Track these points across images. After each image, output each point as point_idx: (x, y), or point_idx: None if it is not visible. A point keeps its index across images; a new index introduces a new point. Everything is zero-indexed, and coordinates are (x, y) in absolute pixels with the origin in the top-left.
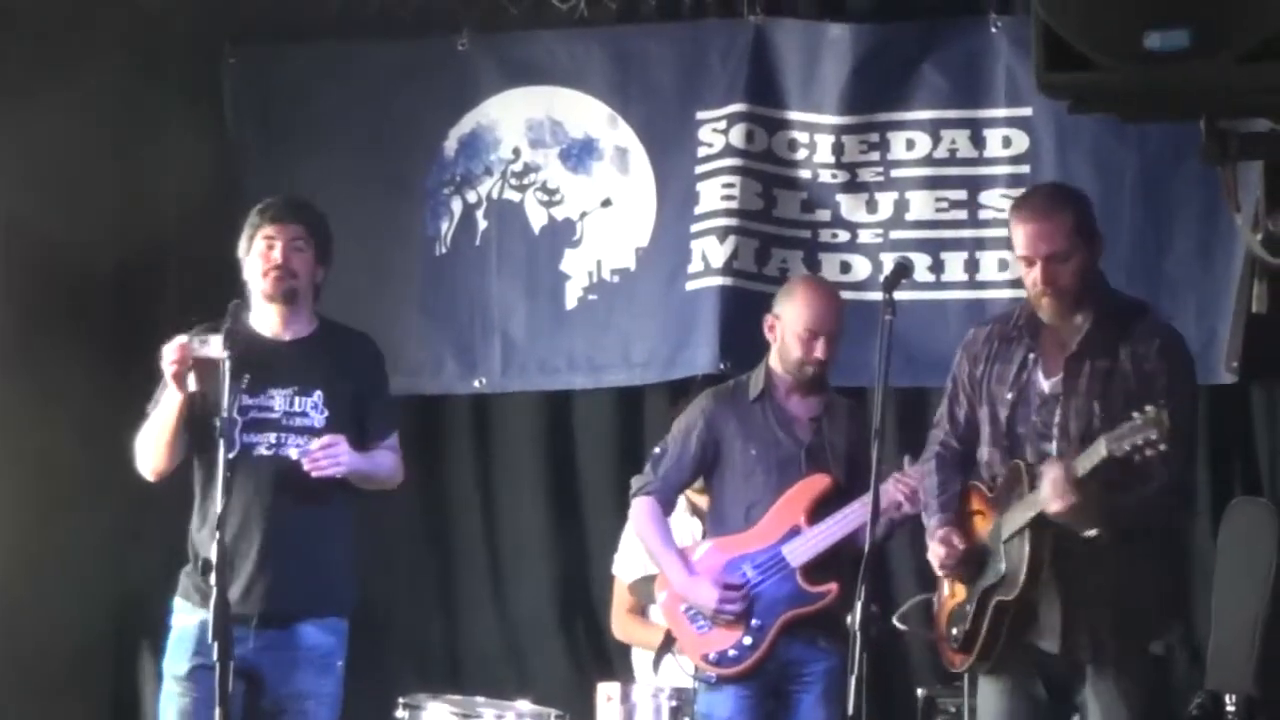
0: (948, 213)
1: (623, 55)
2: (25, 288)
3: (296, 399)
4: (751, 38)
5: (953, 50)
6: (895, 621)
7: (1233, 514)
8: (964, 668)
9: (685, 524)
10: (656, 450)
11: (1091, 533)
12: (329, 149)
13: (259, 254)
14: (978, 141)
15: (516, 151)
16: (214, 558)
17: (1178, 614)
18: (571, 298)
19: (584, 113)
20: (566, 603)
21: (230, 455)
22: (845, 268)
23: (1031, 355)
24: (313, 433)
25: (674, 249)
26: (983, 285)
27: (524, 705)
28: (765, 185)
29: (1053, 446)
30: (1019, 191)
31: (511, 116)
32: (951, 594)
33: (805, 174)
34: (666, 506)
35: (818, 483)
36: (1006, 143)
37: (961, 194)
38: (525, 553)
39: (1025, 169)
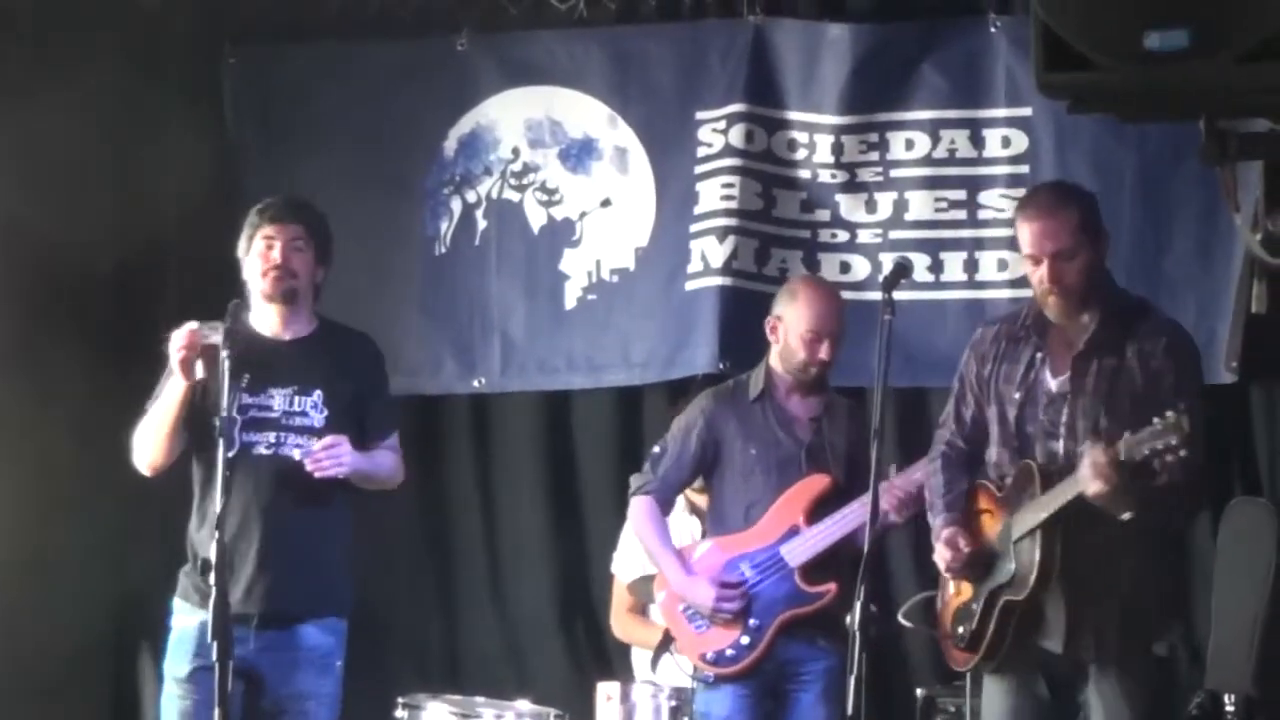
0: (947, 213)
1: (622, 55)
2: (25, 288)
3: (296, 398)
4: (751, 38)
5: (952, 50)
6: (899, 618)
7: (1232, 514)
8: (968, 667)
9: (684, 522)
10: (655, 449)
11: (1127, 515)
12: (329, 149)
13: (259, 254)
14: (977, 141)
15: (516, 151)
16: (213, 557)
17: (1178, 614)
18: (571, 298)
19: (583, 113)
20: (566, 602)
21: (230, 454)
22: (844, 268)
23: (1039, 354)
24: (312, 432)
25: (673, 249)
26: (982, 285)
27: (523, 705)
28: (765, 185)
29: (1060, 445)
30: (1018, 191)
31: (511, 116)
32: (957, 592)
33: (805, 174)
34: (665, 506)
35: (817, 483)
36: (1006, 143)
37: (961, 194)
38: (525, 553)
39: (1024, 169)
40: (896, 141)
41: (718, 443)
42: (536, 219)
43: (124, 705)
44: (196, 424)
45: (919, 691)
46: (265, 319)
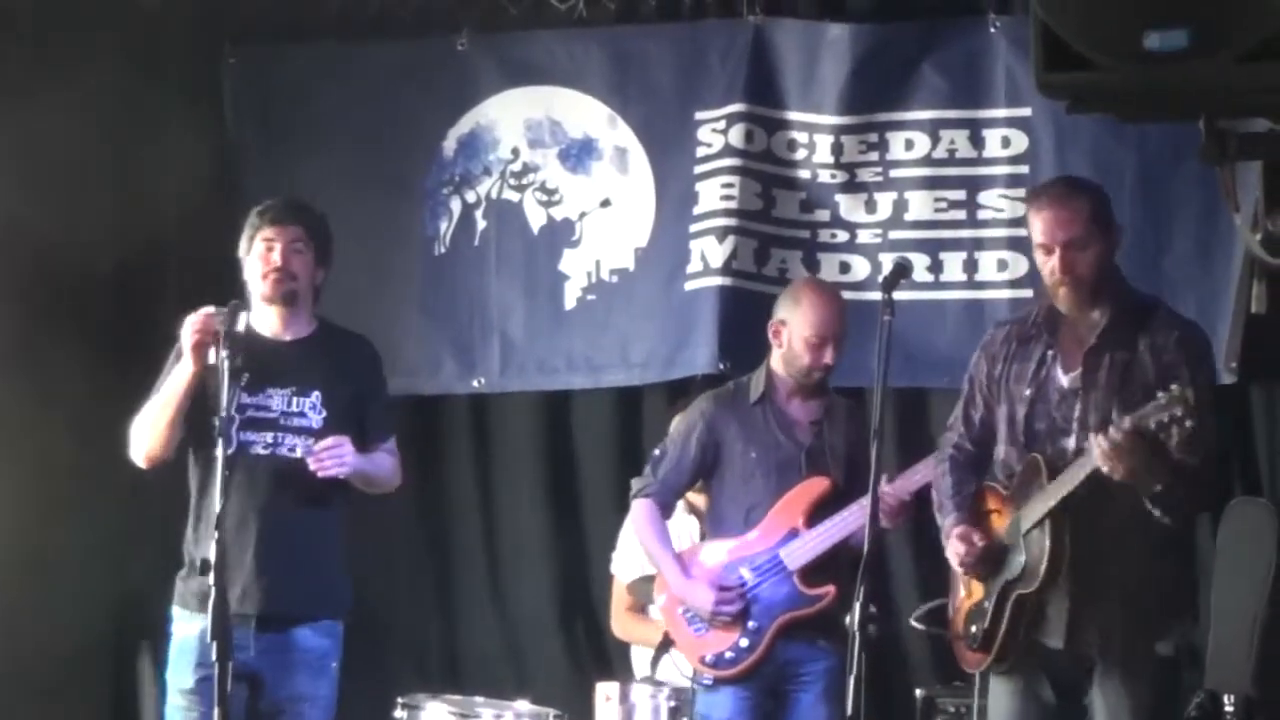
0: (946, 213)
1: (622, 55)
2: (25, 288)
3: (294, 399)
4: (751, 38)
5: (952, 50)
6: (912, 622)
7: (1232, 514)
8: (981, 667)
9: (683, 524)
10: (656, 452)
11: (1159, 487)
12: (329, 149)
13: (258, 256)
14: (977, 142)
15: (515, 151)
16: (212, 557)
17: (1184, 613)
18: (570, 298)
19: (583, 113)
20: (566, 602)
21: (229, 452)
22: (844, 268)
23: (1050, 351)
24: (310, 433)
25: (673, 249)
26: (981, 285)
27: (523, 705)
28: (764, 185)
29: (1071, 441)
30: (1018, 192)
31: (511, 116)
32: (969, 594)
33: (804, 174)
34: (665, 509)
35: (816, 485)
36: (1005, 143)
37: (960, 194)
38: (524, 553)
39: (1024, 169)
40: (896, 141)
41: (718, 445)
42: (536, 219)
43: (123, 706)
44: (195, 420)
45: (919, 692)
46: (265, 320)
